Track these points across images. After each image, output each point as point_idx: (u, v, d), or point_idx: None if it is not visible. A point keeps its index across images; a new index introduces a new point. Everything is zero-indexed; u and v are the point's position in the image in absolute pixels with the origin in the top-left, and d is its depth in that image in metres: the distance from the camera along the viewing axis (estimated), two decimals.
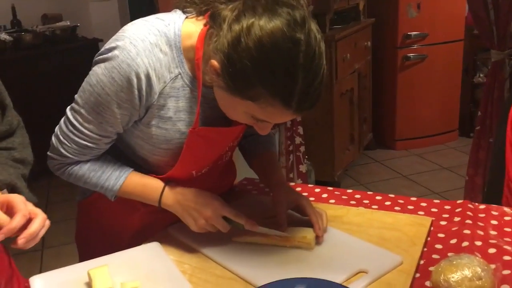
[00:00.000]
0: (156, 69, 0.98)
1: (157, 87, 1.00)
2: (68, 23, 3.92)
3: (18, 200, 0.82)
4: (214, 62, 0.91)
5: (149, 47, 0.97)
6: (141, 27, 0.99)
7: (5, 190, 0.91)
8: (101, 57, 1.00)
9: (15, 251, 1.01)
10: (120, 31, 1.01)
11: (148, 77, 0.97)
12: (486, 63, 3.85)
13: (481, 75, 3.93)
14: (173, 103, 1.03)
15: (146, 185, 1.10)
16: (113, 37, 1.00)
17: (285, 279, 0.91)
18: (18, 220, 0.78)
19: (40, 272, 1.04)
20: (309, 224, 1.10)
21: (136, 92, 0.98)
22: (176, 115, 1.04)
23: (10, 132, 1.00)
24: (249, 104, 0.91)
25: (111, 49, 0.98)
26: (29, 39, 3.67)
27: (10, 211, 0.81)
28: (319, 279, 0.91)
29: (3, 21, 3.92)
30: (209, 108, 1.07)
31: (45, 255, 2.74)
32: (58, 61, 3.71)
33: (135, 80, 0.97)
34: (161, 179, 1.11)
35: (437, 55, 3.80)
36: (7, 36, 3.49)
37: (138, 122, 1.05)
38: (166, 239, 1.14)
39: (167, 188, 1.09)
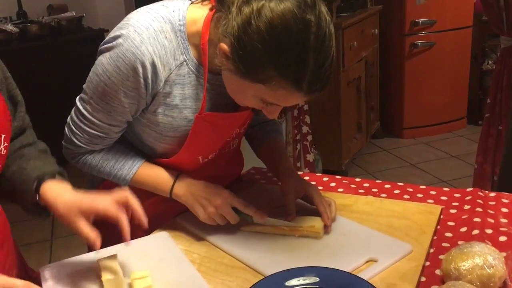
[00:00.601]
0: (161, 57, 0.98)
1: (162, 74, 0.99)
2: (74, 14, 3.91)
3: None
4: (224, 45, 0.91)
5: (154, 34, 0.97)
6: (145, 15, 0.99)
7: (58, 176, 0.94)
8: (106, 46, 0.99)
9: (24, 242, 1.02)
10: (124, 19, 1.00)
11: (153, 65, 0.97)
12: (495, 50, 3.81)
13: (490, 62, 3.89)
14: (179, 90, 1.03)
15: (159, 175, 1.11)
16: (118, 25, 1.00)
17: (294, 268, 0.91)
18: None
19: (50, 262, 1.04)
20: (317, 213, 1.09)
21: (142, 80, 0.98)
22: (182, 103, 1.04)
23: (23, 128, 1.01)
24: (259, 87, 0.90)
25: (115, 38, 0.98)
26: (35, 30, 3.67)
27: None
28: (329, 267, 0.90)
29: (9, 12, 3.92)
30: (216, 95, 1.06)
31: (54, 245, 2.76)
32: (64, 51, 3.71)
33: (140, 69, 0.96)
34: (168, 162, 1.11)
35: (445, 42, 3.76)
36: (13, 27, 3.49)
37: (145, 110, 1.05)
38: (174, 229, 1.14)
39: (179, 179, 1.10)
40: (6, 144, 0.87)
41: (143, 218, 0.91)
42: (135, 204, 0.92)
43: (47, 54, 3.67)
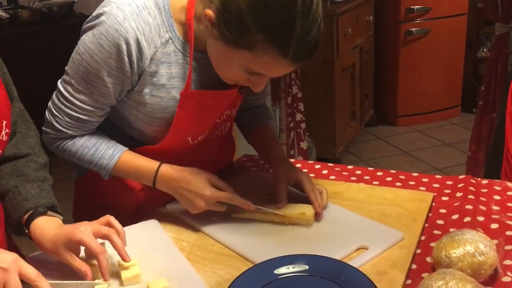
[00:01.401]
0: (145, 33, 0.96)
1: (147, 52, 0.98)
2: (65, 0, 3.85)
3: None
4: (209, 11, 0.90)
5: (136, 10, 0.95)
6: None
7: (49, 212, 0.94)
8: (88, 24, 0.98)
9: None
10: None
11: (137, 42, 0.95)
12: (490, 38, 3.78)
13: (485, 49, 3.86)
14: (165, 69, 1.01)
15: (140, 166, 1.08)
16: (101, 4, 0.98)
17: (284, 255, 0.90)
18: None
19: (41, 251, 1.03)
20: (308, 201, 1.08)
21: (126, 58, 0.96)
22: (169, 82, 1.02)
23: (16, 130, 0.99)
24: (245, 54, 0.89)
25: (98, 16, 0.96)
26: (25, 15, 3.61)
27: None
28: (319, 255, 0.90)
29: None
30: (203, 74, 1.05)
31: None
32: (55, 37, 3.66)
33: (124, 46, 0.95)
34: (157, 148, 1.09)
35: (441, 29, 3.74)
36: (4, 13, 3.43)
37: (131, 91, 1.03)
38: (164, 217, 1.13)
39: (160, 173, 1.06)
40: (7, 130, 0.87)
41: (123, 252, 0.89)
42: (118, 232, 0.90)
43: (38, 40, 3.62)
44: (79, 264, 0.87)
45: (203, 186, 1.04)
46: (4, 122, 0.86)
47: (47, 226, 0.91)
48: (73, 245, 0.87)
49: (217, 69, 0.99)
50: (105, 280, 0.87)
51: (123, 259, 0.88)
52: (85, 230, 0.87)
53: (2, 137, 0.86)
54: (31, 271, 0.78)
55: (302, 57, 0.89)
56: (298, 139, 2.96)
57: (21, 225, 0.93)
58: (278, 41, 0.86)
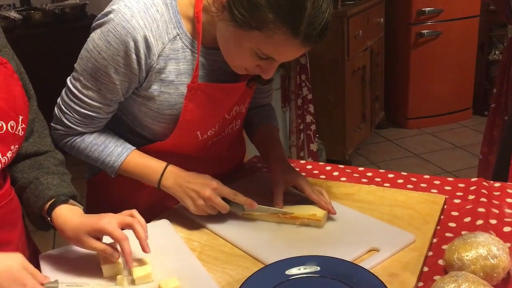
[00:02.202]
0: (153, 30, 0.97)
1: (155, 48, 0.98)
2: (77, 1, 3.88)
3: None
4: None
5: (144, 8, 0.96)
6: None
7: (70, 201, 0.95)
8: (97, 22, 0.99)
9: (30, 229, 1.03)
10: None
11: (145, 39, 0.96)
12: (502, 40, 3.76)
13: (497, 52, 3.84)
14: (173, 65, 1.02)
15: (147, 165, 1.09)
16: (110, 3, 0.99)
17: (295, 256, 0.90)
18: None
19: (53, 248, 1.04)
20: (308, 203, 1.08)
21: (133, 56, 0.97)
22: (178, 78, 1.03)
23: (34, 129, 1.00)
24: (255, 35, 0.89)
25: (106, 14, 0.97)
26: (38, 17, 3.65)
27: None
28: (330, 257, 0.89)
29: None
30: (211, 70, 1.06)
31: (58, 232, 2.77)
32: (68, 39, 3.69)
33: (131, 44, 0.96)
34: (167, 144, 1.10)
35: (452, 31, 3.71)
36: (17, 15, 3.47)
37: (140, 88, 1.04)
38: (175, 217, 1.14)
39: (167, 170, 1.08)
40: (24, 125, 0.89)
41: (144, 242, 0.90)
42: (140, 224, 0.91)
43: (50, 41, 3.65)
44: (102, 247, 0.88)
45: (210, 178, 1.06)
46: (21, 117, 0.87)
47: (70, 214, 0.91)
48: (96, 234, 0.88)
49: (226, 55, 1.00)
50: (129, 267, 0.88)
51: (144, 249, 0.89)
52: (109, 219, 0.88)
53: (19, 132, 0.87)
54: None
55: (313, 37, 0.89)
56: (308, 140, 2.96)
57: (42, 217, 0.94)
58: (289, 19, 0.86)
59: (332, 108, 3.18)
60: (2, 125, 0.83)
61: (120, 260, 0.91)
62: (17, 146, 0.88)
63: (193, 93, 1.04)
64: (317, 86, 3.06)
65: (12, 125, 0.85)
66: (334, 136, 3.22)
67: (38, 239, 1.13)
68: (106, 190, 1.20)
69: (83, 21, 3.83)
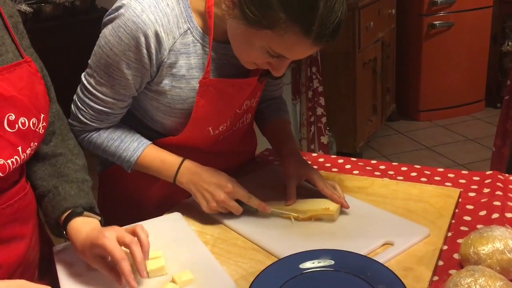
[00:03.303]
0: (163, 25, 0.96)
1: (166, 43, 0.98)
2: None
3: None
4: None
5: (154, 2, 0.96)
6: None
7: (86, 213, 0.94)
8: (108, 17, 0.99)
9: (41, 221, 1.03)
10: None
11: (156, 34, 0.96)
12: None
13: (510, 43, 3.79)
14: (184, 60, 1.01)
15: (164, 160, 1.08)
16: None
17: (309, 250, 0.89)
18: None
19: (65, 242, 1.04)
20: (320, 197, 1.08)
21: (144, 51, 0.96)
22: (189, 73, 1.02)
23: (54, 130, 1.00)
24: (267, 34, 0.88)
25: (117, 9, 0.97)
26: (49, 10, 3.66)
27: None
28: (344, 250, 0.89)
29: None
30: (221, 65, 1.05)
31: None
32: (78, 32, 3.70)
33: (142, 39, 0.95)
34: (179, 139, 1.09)
35: (465, 22, 3.67)
36: (27, 7, 3.48)
37: (151, 83, 1.03)
38: (187, 210, 1.13)
39: (183, 166, 1.07)
40: (44, 123, 0.89)
41: (140, 266, 0.84)
42: (140, 243, 0.87)
43: (61, 34, 3.67)
44: (105, 272, 0.87)
45: (226, 179, 1.05)
46: (42, 115, 0.88)
47: (82, 228, 0.90)
48: (98, 250, 0.86)
49: (237, 52, 0.99)
50: (131, 286, 0.83)
51: (139, 273, 0.84)
52: (109, 235, 0.85)
53: (39, 129, 0.87)
54: None
55: (325, 37, 0.87)
56: (318, 133, 2.95)
57: (59, 225, 0.94)
58: (301, 19, 0.84)
59: (343, 101, 3.16)
60: (24, 121, 0.84)
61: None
62: (36, 143, 0.89)
63: (205, 89, 1.03)
64: (328, 79, 3.04)
65: (34, 122, 0.86)
66: (344, 129, 3.20)
67: (50, 233, 1.14)
68: (118, 184, 1.20)
69: (93, 14, 3.84)
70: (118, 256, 0.83)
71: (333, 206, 1.05)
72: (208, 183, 1.04)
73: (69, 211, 0.92)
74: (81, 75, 1.07)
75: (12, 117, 0.82)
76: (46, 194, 0.95)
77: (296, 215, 1.05)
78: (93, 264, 0.89)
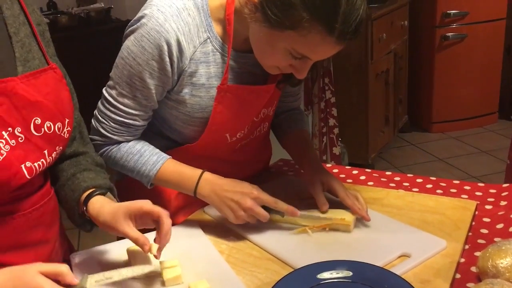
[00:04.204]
0: (185, 34, 0.98)
1: (187, 52, 0.99)
2: (102, 5, 3.94)
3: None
4: None
5: (177, 12, 0.97)
6: None
7: (108, 194, 0.97)
8: (130, 29, 1.01)
9: None
10: (148, 1, 1.01)
11: (178, 42, 0.97)
12: None
13: None
14: (204, 69, 1.02)
15: (183, 173, 1.06)
16: (141, 9, 1.00)
17: (325, 261, 0.89)
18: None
19: (78, 249, 1.06)
20: (345, 207, 1.07)
21: (167, 59, 0.98)
22: (208, 81, 1.03)
23: (76, 135, 1.02)
24: (290, 34, 0.88)
25: (139, 19, 0.99)
26: (64, 21, 3.72)
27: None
28: (360, 262, 0.88)
29: (40, 3, 3.97)
30: (240, 73, 1.06)
31: (82, 233, 2.80)
32: (93, 42, 3.75)
33: (165, 47, 0.96)
34: (197, 146, 1.09)
35: (478, 34, 3.66)
36: (44, 18, 3.54)
37: (171, 92, 1.05)
38: (202, 219, 1.14)
39: (203, 178, 1.05)
40: (69, 128, 0.91)
41: (155, 247, 0.89)
42: (166, 223, 0.89)
43: (77, 44, 3.72)
44: (136, 235, 0.87)
45: (250, 186, 1.03)
46: (67, 120, 0.89)
47: (106, 202, 0.92)
48: (134, 213, 0.89)
49: (260, 56, 0.99)
50: (161, 244, 0.88)
51: (161, 242, 0.88)
52: (146, 201, 0.89)
53: (64, 134, 0.89)
54: None
55: (348, 35, 0.88)
56: (330, 144, 2.94)
57: (80, 213, 0.94)
58: (324, 17, 0.85)
59: (355, 112, 3.16)
60: (50, 125, 0.86)
61: (150, 260, 0.91)
62: (61, 147, 0.90)
63: (223, 95, 1.04)
64: (340, 90, 3.05)
65: (59, 126, 0.87)
66: (357, 140, 3.20)
67: (76, 237, 1.15)
68: (134, 194, 1.19)
69: (108, 25, 3.89)
70: (161, 211, 0.88)
71: (349, 217, 1.05)
72: (233, 192, 1.02)
73: (90, 191, 0.94)
74: (95, 85, 1.08)
75: (38, 121, 0.84)
76: (66, 182, 0.97)
77: (311, 225, 1.05)
78: (123, 229, 0.88)
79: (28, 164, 0.82)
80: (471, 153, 3.50)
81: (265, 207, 1.03)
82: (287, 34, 0.88)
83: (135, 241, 0.88)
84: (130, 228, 0.88)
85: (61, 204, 0.98)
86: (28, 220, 0.87)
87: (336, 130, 2.93)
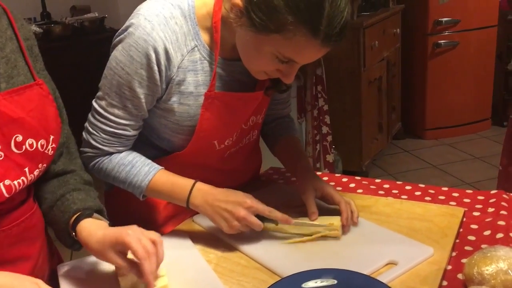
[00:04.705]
0: (173, 42, 0.98)
1: (175, 60, 1.00)
2: (96, 15, 3.95)
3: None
4: (237, 1, 0.90)
5: (164, 21, 0.98)
6: (154, 3, 1.00)
7: (95, 215, 0.94)
8: (118, 39, 1.01)
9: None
10: (134, 10, 1.01)
11: (165, 51, 0.97)
12: None
13: None
14: (192, 77, 1.03)
15: (175, 183, 1.06)
16: (129, 18, 1.01)
17: (312, 269, 0.89)
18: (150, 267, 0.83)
19: (71, 259, 1.05)
20: (334, 214, 1.08)
21: (155, 67, 0.98)
22: (196, 90, 1.04)
23: (65, 151, 1.01)
24: (275, 38, 0.89)
25: (126, 29, 0.99)
26: (58, 31, 3.72)
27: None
28: (347, 270, 0.88)
29: (33, 13, 3.98)
30: (228, 81, 1.06)
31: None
32: (87, 52, 3.76)
33: (153, 56, 0.97)
34: (185, 153, 1.09)
35: (470, 41, 3.69)
36: (37, 28, 3.54)
37: (160, 101, 1.05)
38: (191, 228, 1.14)
39: (195, 188, 1.04)
40: (54, 145, 0.90)
41: (149, 277, 0.83)
42: (160, 251, 0.86)
43: (70, 54, 3.72)
44: (125, 265, 0.85)
45: (244, 195, 1.02)
46: (52, 137, 0.88)
47: (94, 227, 0.90)
48: (119, 248, 0.85)
49: (247, 61, 1.00)
50: (145, 282, 0.83)
51: (148, 285, 0.83)
52: (132, 234, 0.84)
53: (48, 151, 0.88)
54: None
55: (333, 37, 0.89)
56: (324, 152, 2.95)
57: (69, 233, 0.93)
58: (308, 20, 0.86)
59: (349, 119, 3.17)
60: (32, 142, 0.84)
61: None
62: (45, 165, 0.89)
63: (210, 102, 1.04)
64: (333, 97, 3.06)
65: (43, 143, 0.86)
66: (350, 147, 3.21)
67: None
68: (124, 203, 1.21)
69: (102, 34, 3.90)
70: (141, 255, 0.82)
71: (337, 222, 1.05)
72: (226, 202, 1.01)
73: (78, 213, 0.92)
74: (89, 95, 1.08)
75: (20, 138, 0.82)
76: (54, 203, 0.95)
77: (304, 239, 1.04)
78: (112, 261, 0.86)
79: (7, 182, 0.81)
80: (465, 159, 3.51)
81: (258, 216, 1.03)
82: (272, 37, 0.89)
83: (123, 269, 0.86)
84: (118, 258, 0.86)
85: (49, 225, 0.96)
86: (8, 237, 0.86)
87: (329, 138, 2.94)
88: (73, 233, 0.91)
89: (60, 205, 0.94)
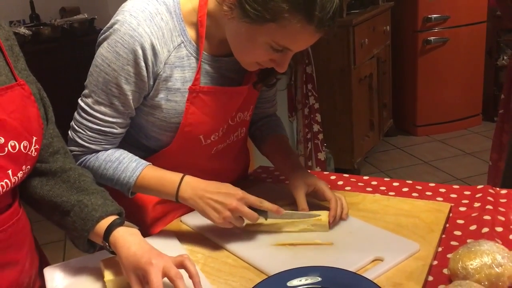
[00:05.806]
0: (159, 38, 0.98)
1: (162, 56, 1.00)
2: (86, 16, 3.94)
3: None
4: None
5: (149, 16, 0.97)
6: (139, 0, 0.99)
7: (127, 223, 0.93)
8: (103, 36, 1.00)
9: (39, 242, 1.03)
10: (119, 8, 1.01)
11: (152, 46, 0.97)
12: (510, 45, 3.74)
13: (505, 57, 3.81)
14: (179, 73, 1.03)
15: (163, 177, 1.05)
16: (114, 15, 1.00)
17: (298, 267, 0.89)
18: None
19: (64, 261, 1.05)
20: (324, 209, 1.08)
21: (142, 63, 0.98)
22: (184, 86, 1.04)
23: (55, 150, 0.98)
24: (270, 27, 0.90)
25: (111, 25, 0.98)
26: (47, 32, 3.71)
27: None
28: (333, 267, 0.89)
29: (22, 15, 3.97)
30: (214, 77, 1.07)
31: (68, 245, 2.79)
32: (76, 53, 3.75)
33: (140, 51, 0.97)
34: (171, 149, 1.09)
35: (459, 38, 3.71)
36: (26, 30, 3.53)
37: (147, 97, 1.04)
38: (178, 228, 1.14)
39: (184, 181, 1.03)
40: (37, 146, 0.89)
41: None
42: (192, 268, 0.84)
43: (60, 56, 3.71)
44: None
45: (234, 187, 1.02)
46: (35, 138, 0.87)
47: (129, 239, 0.88)
48: (141, 272, 0.83)
49: (239, 54, 1.00)
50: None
51: None
52: (156, 264, 0.82)
53: (32, 152, 0.87)
54: None
55: (326, 22, 0.90)
56: (315, 150, 2.96)
57: (90, 240, 0.92)
58: (303, 6, 0.87)
59: (340, 117, 3.18)
60: (15, 144, 0.83)
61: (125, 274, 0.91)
62: (29, 167, 0.88)
63: (195, 96, 1.04)
64: (324, 95, 3.07)
65: (25, 145, 0.85)
66: (342, 145, 3.21)
67: (48, 251, 1.14)
68: None
69: (91, 36, 3.88)
70: (178, 283, 0.80)
71: (325, 216, 1.06)
72: (217, 193, 1.00)
73: (110, 222, 0.90)
74: (79, 96, 1.06)
75: (1, 140, 0.82)
76: (71, 209, 0.92)
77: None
78: (131, 283, 0.85)
79: None
80: (456, 155, 3.53)
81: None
82: (267, 27, 0.90)
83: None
84: (136, 283, 0.84)
85: (64, 229, 0.94)
86: None
87: (320, 136, 2.94)
88: (107, 244, 0.89)
89: (79, 212, 0.92)
